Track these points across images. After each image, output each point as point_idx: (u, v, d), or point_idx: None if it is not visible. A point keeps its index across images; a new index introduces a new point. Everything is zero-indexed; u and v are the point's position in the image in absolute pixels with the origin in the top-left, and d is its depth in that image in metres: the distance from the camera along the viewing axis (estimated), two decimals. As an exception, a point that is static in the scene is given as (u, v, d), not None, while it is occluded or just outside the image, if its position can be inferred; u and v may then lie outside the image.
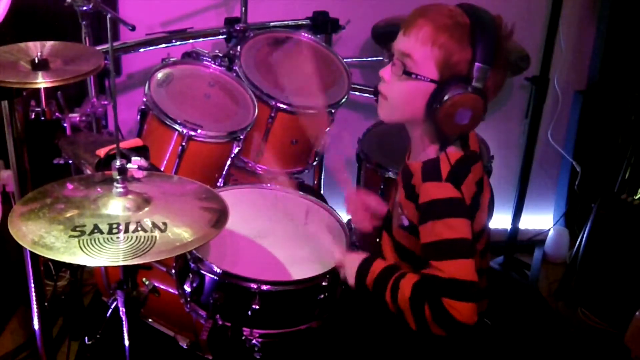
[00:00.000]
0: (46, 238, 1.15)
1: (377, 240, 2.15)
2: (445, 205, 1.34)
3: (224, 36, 2.37)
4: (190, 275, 1.65)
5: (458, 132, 1.40)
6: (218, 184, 2.07)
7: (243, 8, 2.33)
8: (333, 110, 2.21)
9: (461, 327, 1.29)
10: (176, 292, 1.76)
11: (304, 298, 1.62)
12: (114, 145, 1.31)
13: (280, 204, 1.90)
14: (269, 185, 1.98)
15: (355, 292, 1.48)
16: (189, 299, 1.67)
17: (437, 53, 1.35)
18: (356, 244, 2.18)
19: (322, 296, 1.62)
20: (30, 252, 1.41)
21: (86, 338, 2.01)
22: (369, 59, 2.67)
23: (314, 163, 2.33)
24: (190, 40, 2.36)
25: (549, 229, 3.02)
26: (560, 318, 2.58)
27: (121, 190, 1.25)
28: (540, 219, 3.09)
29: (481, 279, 1.54)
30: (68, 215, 1.21)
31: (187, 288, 1.66)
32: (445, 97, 1.34)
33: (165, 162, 1.97)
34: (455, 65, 1.35)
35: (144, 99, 1.99)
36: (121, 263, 1.14)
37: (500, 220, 2.85)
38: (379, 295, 1.41)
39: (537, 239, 3.05)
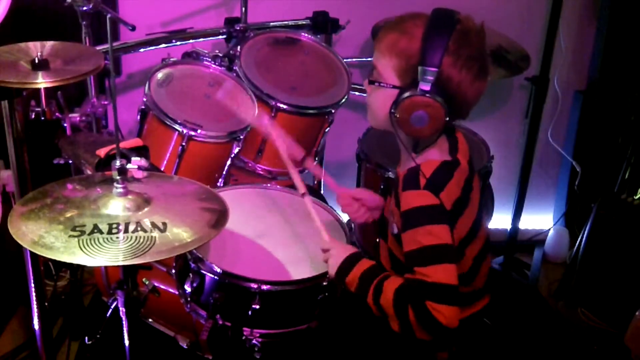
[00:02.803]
0: (46, 238, 1.15)
1: (377, 240, 2.15)
2: (425, 213, 1.35)
3: (224, 36, 2.37)
4: (191, 275, 1.65)
5: (426, 135, 1.40)
6: (218, 184, 2.07)
7: (243, 8, 2.33)
8: (333, 110, 2.21)
9: (444, 331, 1.30)
10: (176, 292, 1.76)
11: (304, 298, 1.62)
12: (114, 145, 1.30)
13: (280, 204, 1.90)
14: (269, 185, 1.98)
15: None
16: (189, 299, 1.67)
17: (395, 61, 1.39)
18: (356, 243, 2.18)
19: (322, 296, 1.62)
20: (30, 252, 1.41)
21: (86, 338, 2.01)
22: (369, 59, 2.65)
23: (314, 163, 2.33)
24: (190, 40, 2.35)
25: (549, 229, 3.02)
26: (560, 318, 2.58)
27: (121, 190, 1.25)
28: (540, 219, 3.08)
29: (480, 279, 1.54)
30: (68, 215, 1.21)
31: (187, 288, 1.66)
32: (397, 103, 1.37)
33: (165, 162, 1.97)
34: (415, 71, 1.36)
35: (144, 99, 1.99)
36: (121, 263, 1.14)
37: (500, 220, 2.84)
38: (361, 296, 1.42)
39: (537, 239, 3.05)
